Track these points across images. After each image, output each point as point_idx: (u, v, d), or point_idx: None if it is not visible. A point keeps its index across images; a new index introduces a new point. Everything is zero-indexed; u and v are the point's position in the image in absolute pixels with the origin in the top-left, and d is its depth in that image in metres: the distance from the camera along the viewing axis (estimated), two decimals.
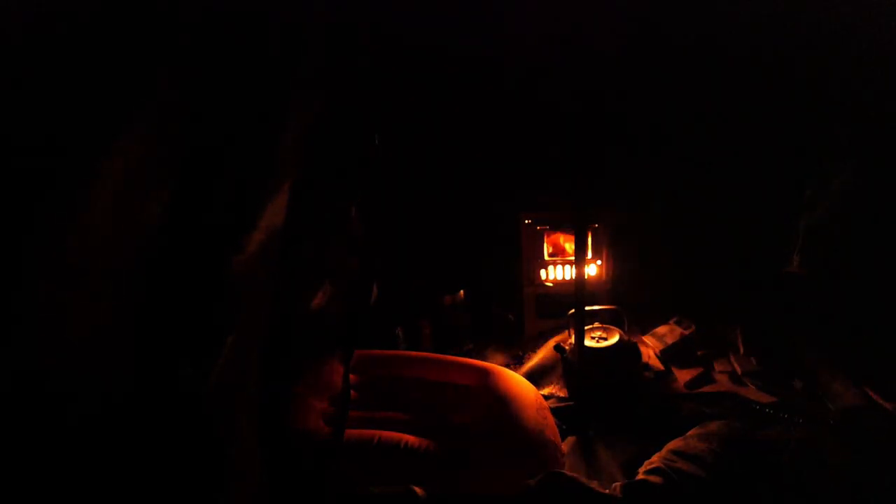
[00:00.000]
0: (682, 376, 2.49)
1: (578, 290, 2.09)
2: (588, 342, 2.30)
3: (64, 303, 1.00)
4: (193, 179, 1.19)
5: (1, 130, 0.96)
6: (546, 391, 2.41)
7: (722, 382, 2.45)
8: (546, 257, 2.82)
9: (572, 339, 2.31)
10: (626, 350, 2.34)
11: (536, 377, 2.48)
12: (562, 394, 2.40)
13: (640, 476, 1.79)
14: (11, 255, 0.95)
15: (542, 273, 2.83)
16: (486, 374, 2.13)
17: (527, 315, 2.86)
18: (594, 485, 1.74)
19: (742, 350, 2.58)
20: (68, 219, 1.00)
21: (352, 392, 2.03)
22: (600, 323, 2.46)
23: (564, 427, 2.15)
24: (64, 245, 1.00)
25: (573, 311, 2.17)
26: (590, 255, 2.79)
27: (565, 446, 2.06)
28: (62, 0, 1.00)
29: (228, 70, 1.24)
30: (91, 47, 1.03)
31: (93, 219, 1.03)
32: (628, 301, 2.59)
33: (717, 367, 2.54)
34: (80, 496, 1.04)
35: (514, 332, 2.86)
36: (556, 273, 2.83)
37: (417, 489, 1.64)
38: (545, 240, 2.81)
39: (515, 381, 2.12)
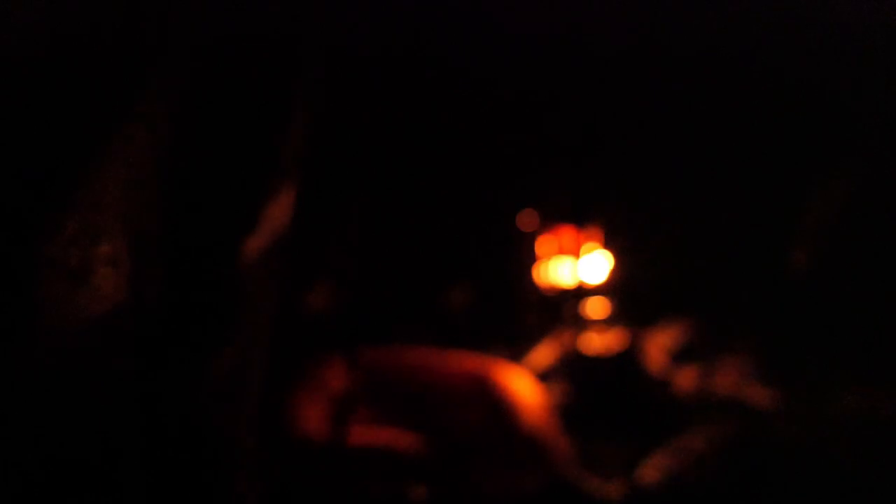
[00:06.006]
0: (684, 376, 2.49)
1: (579, 290, 2.09)
2: (589, 341, 2.29)
3: (62, 302, 1.00)
4: (194, 180, 1.19)
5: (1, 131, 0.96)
6: (546, 390, 2.41)
7: (723, 382, 2.45)
8: (546, 255, 2.81)
9: (573, 339, 2.31)
10: (627, 349, 2.34)
11: (536, 377, 2.47)
12: (562, 393, 2.40)
13: (641, 476, 1.79)
14: (10, 254, 0.95)
15: (543, 272, 2.82)
16: (486, 373, 2.13)
17: (527, 315, 2.86)
18: (594, 485, 1.74)
19: (744, 350, 2.58)
20: (66, 217, 1.00)
21: (352, 392, 2.03)
22: (601, 321, 2.45)
23: (565, 427, 2.15)
24: (60, 242, 1.00)
25: (573, 310, 2.17)
26: (590, 253, 2.79)
27: (566, 446, 2.06)
28: (60, 3, 1.00)
29: (228, 71, 1.24)
30: (92, 48, 1.03)
31: (90, 218, 1.03)
32: (629, 299, 2.58)
33: (719, 366, 2.54)
34: (78, 497, 1.04)
35: (513, 331, 2.86)
36: (557, 272, 2.82)
37: (417, 489, 1.64)
38: (546, 237, 2.80)
39: (517, 379, 2.12)
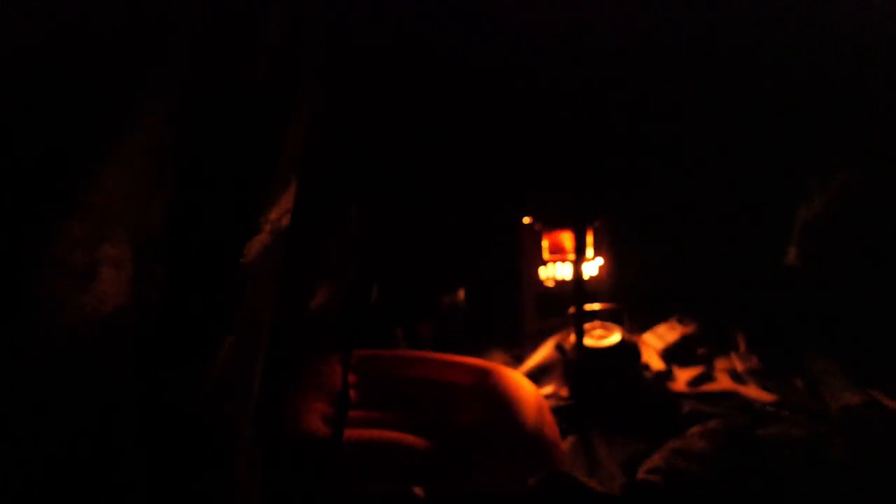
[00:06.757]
0: (683, 375, 2.49)
1: (578, 289, 2.09)
2: (588, 341, 2.29)
3: (66, 303, 1.00)
4: (195, 181, 1.19)
5: (4, 131, 0.97)
6: (546, 390, 2.41)
7: (723, 381, 2.45)
8: (545, 256, 2.81)
9: (572, 338, 2.31)
10: (627, 349, 2.34)
11: (536, 376, 2.47)
12: (562, 393, 2.40)
13: (641, 475, 1.79)
14: (12, 252, 0.95)
15: (542, 272, 2.82)
16: (485, 373, 2.13)
17: (527, 314, 2.86)
18: (594, 484, 1.73)
19: (743, 348, 2.58)
20: (70, 218, 1.00)
21: (351, 392, 2.03)
22: (600, 321, 2.45)
23: (564, 426, 2.15)
24: (64, 243, 1.00)
25: (573, 309, 2.17)
26: (589, 253, 2.79)
27: (565, 445, 2.06)
28: (60, 3, 1.00)
29: (228, 70, 1.24)
30: (93, 50, 1.03)
31: (94, 219, 1.03)
32: (628, 299, 2.58)
33: (718, 365, 2.54)
34: (78, 496, 1.03)
35: (513, 331, 2.86)
36: (556, 272, 2.82)
37: (417, 489, 1.64)
38: (544, 238, 2.80)
39: (515, 379, 2.12)
